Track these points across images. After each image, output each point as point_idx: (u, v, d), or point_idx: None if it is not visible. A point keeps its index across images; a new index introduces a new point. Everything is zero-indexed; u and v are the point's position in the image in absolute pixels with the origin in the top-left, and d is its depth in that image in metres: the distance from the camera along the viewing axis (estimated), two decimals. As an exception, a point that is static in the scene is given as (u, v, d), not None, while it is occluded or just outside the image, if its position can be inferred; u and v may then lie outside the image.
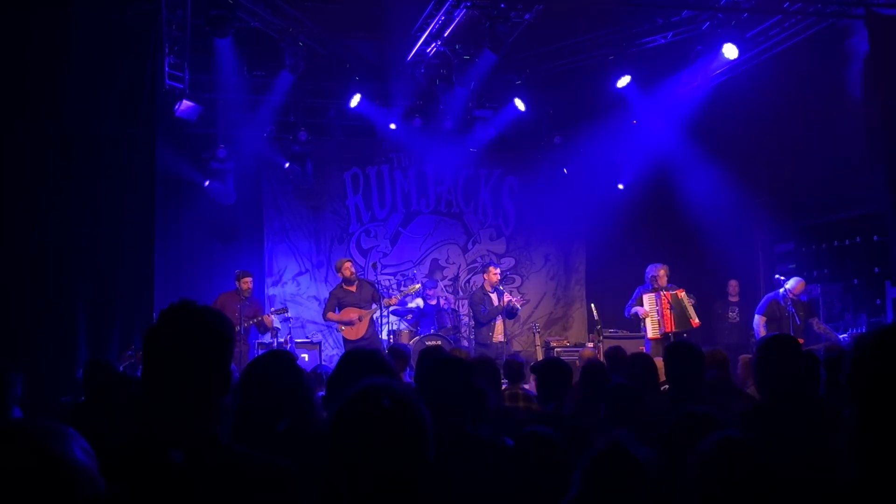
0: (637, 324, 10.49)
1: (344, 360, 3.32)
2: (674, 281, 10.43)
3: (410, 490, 1.82)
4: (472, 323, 10.98)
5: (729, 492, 2.23)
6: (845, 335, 9.68)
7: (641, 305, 10.17)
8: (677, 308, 10.05)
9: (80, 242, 8.36)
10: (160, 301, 9.24)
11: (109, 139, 8.25)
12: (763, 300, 10.19)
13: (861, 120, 9.75)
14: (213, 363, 2.01)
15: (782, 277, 10.40)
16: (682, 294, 10.12)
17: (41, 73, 7.80)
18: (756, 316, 9.98)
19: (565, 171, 12.97)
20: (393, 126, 11.70)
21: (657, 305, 10.08)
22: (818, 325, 9.79)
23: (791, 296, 9.75)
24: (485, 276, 10.88)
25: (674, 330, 9.94)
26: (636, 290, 10.40)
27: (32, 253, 8.01)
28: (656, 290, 10.13)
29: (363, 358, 3.26)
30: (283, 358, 3.14)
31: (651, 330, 10.07)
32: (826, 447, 3.42)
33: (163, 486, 1.90)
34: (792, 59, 10.66)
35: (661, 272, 10.20)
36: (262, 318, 9.95)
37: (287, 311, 10.56)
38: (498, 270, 10.88)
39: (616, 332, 10.96)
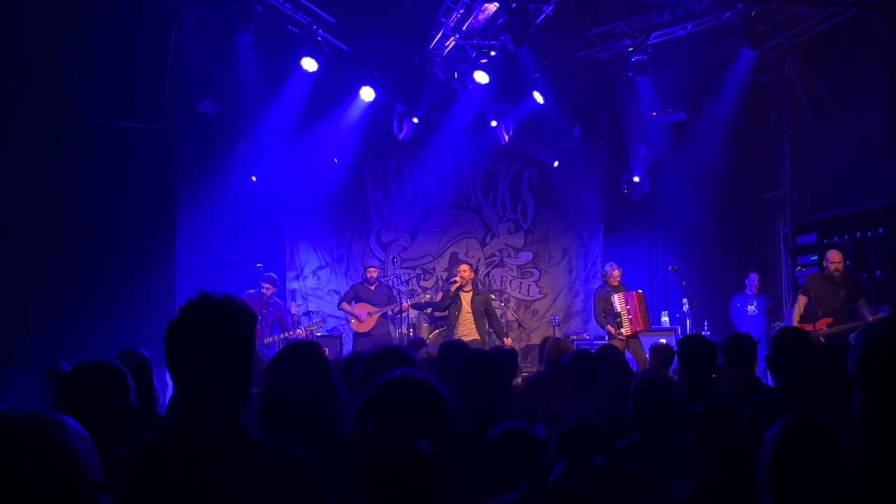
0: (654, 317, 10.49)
1: (371, 359, 3.38)
2: (697, 274, 10.50)
3: (434, 482, 1.83)
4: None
5: (801, 472, 2.25)
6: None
7: (607, 308, 10.42)
8: (643, 307, 10.46)
9: (103, 234, 8.42)
10: (182, 294, 9.29)
11: (131, 133, 8.30)
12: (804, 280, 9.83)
13: (882, 110, 9.66)
14: (235, 353, 2.03)
15: (804, 269, 10.31)
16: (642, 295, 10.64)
17: (67, 70, 7.87)
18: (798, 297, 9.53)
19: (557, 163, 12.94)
20: (415, 120, 11.72)
21: (628, 304, 10.36)
22: (863, 305, 8.99)
23: (830, 269, 9.07)
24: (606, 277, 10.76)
25: (642, 329, 10.38)
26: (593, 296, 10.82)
27: (54, 245, 8.08)
28: (619, 290, 10.47)
29: (390, 355, 3.30)
30: (310, 349, 3.16)
31: (625, 328, 10.29)
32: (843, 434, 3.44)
33: (192, 474, 1.94)
34: (813, 48, 10.58)
35: (616, 272, 10.62)
36: (289, 335, 10.00)
37: (320, 325, 10.75)
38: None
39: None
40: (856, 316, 9.05)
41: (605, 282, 10.69)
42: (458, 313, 10.27)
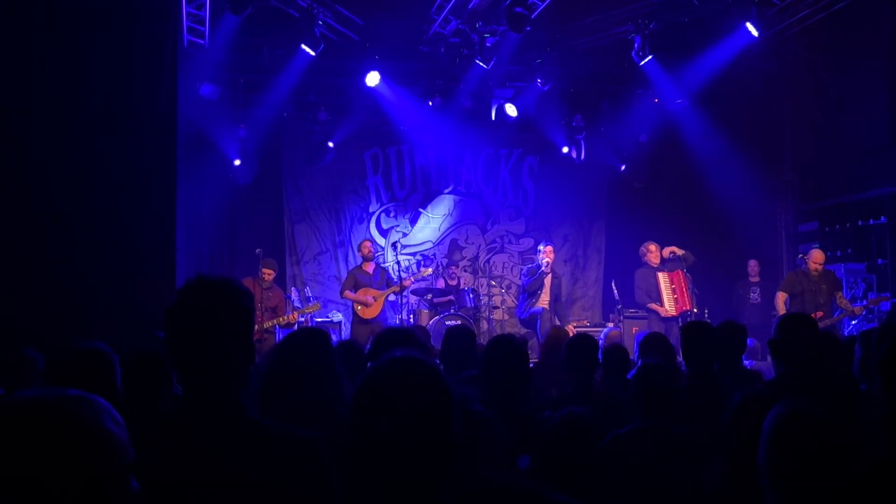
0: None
1: (379, 338, 3.37)
2: (698, 262, 10.48)
3: (434, 466, 1.80)
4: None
5: (799, 463, 2.22)
6: (856, 321, 9.52)
7: (649, 286, 10.28)
8: (687, 288, 10.27)
9: (101, 218, 8.38)
10: (181, 277, 9.27)
11: (131, 116, 8.25)
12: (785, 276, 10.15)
13: (885, 98, 9.63)
14: (235, 335, 2.01)
15: (805, 257, 10.31)
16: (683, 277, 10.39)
17: (66, 52, 7.82)
18: (777, 293, 9.81)
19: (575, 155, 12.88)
20: (415, 105, 11.66)
21: (672, 283, 10.22)
22: (841, 300, 9.32)
23: (810, 268, 9.43)
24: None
25: (688, 309, 10.15)
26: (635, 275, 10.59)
27: (51, 229, 8.03)
28: (661, 270, 10.33)
29: (397, 337, 3.30)
30: (317, 335, 3.14)
31: (669, 307, 10.15)
32: (847, 422, 3.41)
33: (194, 456, 1.92)
34: (815, 36, 10.53)
35: (665, 251, 10.44)
36: (288, 318, 9.97)
37: (318, 307, 10.62)
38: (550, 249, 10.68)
39: (637, 313, 10.88)
40: (837, 309, 9.31)
41: (645, 260, 10.45)
42: (542, 293, 10.37)
